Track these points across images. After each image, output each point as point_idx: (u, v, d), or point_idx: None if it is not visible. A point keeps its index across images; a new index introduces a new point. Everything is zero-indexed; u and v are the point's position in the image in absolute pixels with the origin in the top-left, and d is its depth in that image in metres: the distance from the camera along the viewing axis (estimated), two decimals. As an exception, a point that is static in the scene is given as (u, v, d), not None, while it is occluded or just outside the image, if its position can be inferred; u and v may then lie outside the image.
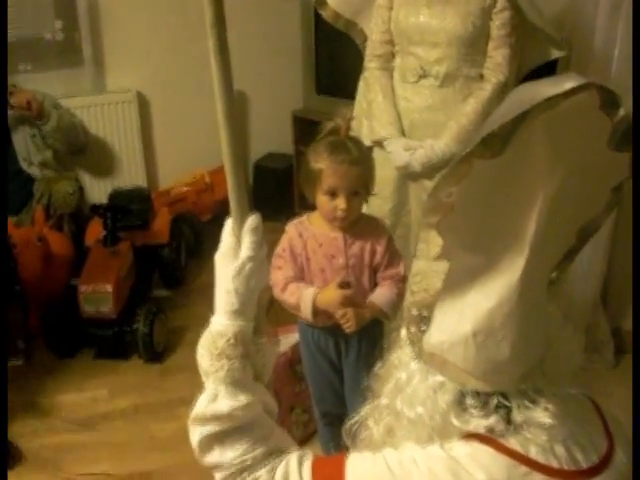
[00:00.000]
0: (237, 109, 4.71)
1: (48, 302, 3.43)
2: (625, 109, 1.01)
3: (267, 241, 2.30)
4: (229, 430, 1.22)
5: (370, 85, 2.89)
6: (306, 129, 4.40)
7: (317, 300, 2.22)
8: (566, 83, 0.96)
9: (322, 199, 2.21)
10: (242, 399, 1.22)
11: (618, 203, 1.16)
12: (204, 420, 1.22)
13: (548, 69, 2.95)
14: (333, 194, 2.18)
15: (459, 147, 2.66)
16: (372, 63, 2.90)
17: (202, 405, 1.23)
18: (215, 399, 1.22)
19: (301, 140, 4.36)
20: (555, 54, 2.86)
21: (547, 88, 0.97)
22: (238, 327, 1.23)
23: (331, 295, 2.21)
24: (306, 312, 2.24)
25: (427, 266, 1.17)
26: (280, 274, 2.29)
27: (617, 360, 3.27)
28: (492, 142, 0.98)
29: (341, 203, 2.18)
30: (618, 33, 2.87)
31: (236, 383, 1.23)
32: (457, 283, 1.12)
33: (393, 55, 2.84)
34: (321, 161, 2.17)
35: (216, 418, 1.22)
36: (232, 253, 1.24)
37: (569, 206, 1.10)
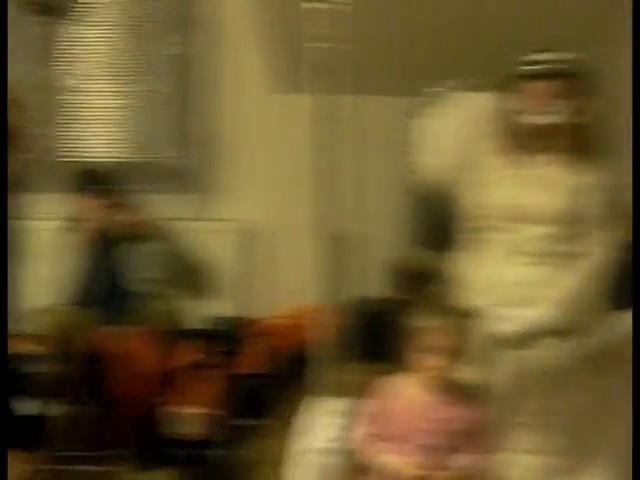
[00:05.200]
0: (339, 248, 4.85)
1: (133, 417, 3.50)
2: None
3: (359, 382, 2.36)
4: None
5: (464, 255, 2.86)
6: (404, 278, 4.49)
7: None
8: None
9: (416, 357, 2.27)
10: None
11: None
12: None
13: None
14: (428, 353, 2.24)
15: (558, 316, 2.63)
16: (466, 234, 2.86)
17: None
18: None
19: (398, 288, 4.44)
20: None
21: None
22: None
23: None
24: None
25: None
26: (363, 430, 2.36)
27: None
28: None
29: (435, 363, 2.23)
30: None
31: None
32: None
33: (488, 229, 2.79)
34: (420, 320, 2.26)
35: None
36: None
37: None
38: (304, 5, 2.07)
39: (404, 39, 3.97)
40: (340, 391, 2.43)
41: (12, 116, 2.46)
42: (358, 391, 2.44)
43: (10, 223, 2.73)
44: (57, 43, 4.64)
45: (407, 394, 2.34)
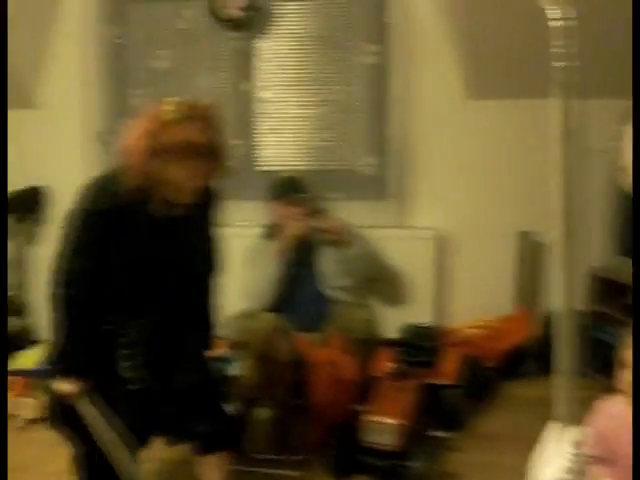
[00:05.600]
0: (535, 257, 4.75)
1: (330, 424, 3.54)
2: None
3: (577, 398, 2.27)
4: None
5: None
6: (604, 289, 4.33)
7: None
8: None
9: (627, 377, 2.16)
10: None
11: None
12: None
13: None
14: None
15: None
16: None
17: None
18: None
19: (597, 299, 4.29)
20: None
21: None
22: None
23: None
24: None
25: None
26: (585, 451, 2.27)
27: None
28: None
29: None
30: None
31: None
32: None
33: None
34: (627, 336, 2.15)
35: None
36: None
37: None
38: (551, 23, 2.04)
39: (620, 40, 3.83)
40: (560, 409, 2.33)
41: (213, 136, 2.55)
42: (573, 408, 2.34)
43: (217, 230, 2.83)
44: (254, 56, 4.77)
45: (624, 416, 2.22)
